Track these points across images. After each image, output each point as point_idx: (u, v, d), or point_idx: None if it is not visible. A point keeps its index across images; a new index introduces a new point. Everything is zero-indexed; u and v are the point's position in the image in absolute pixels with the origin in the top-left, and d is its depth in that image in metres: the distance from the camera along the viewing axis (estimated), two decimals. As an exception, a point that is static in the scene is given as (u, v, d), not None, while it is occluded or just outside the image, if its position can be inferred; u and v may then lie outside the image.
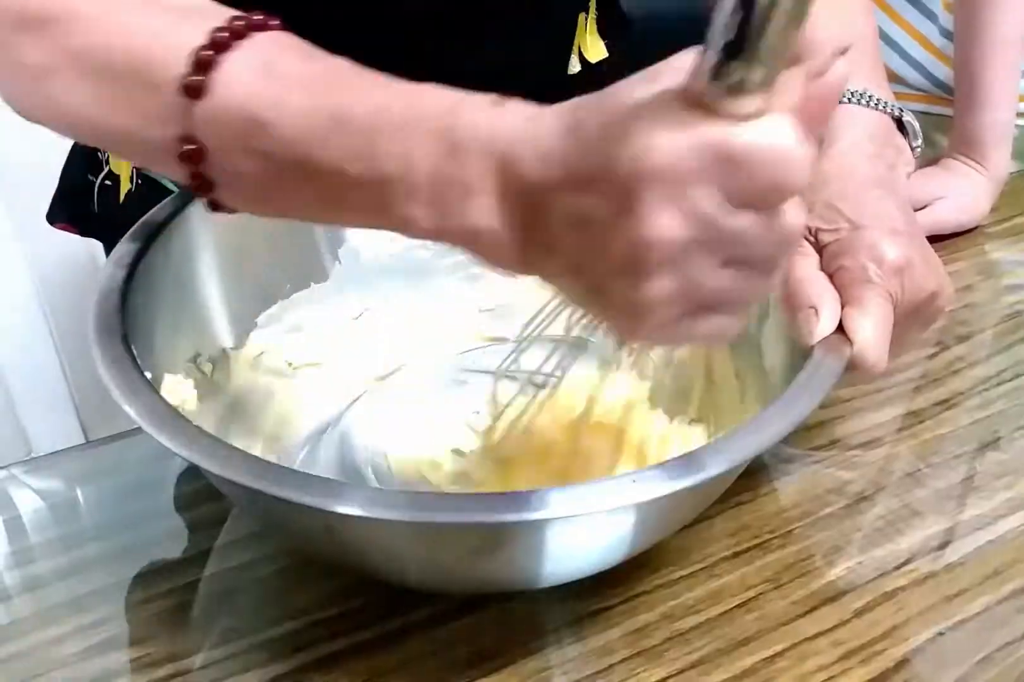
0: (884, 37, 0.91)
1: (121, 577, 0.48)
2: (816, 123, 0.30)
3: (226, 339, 0.52)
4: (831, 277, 0.45)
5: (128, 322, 0.42)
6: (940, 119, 0.86)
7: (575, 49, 0.69)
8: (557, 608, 0.46)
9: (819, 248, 0.46)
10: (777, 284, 0.33)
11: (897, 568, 0.48)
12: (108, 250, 0.79)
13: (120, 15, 0.38)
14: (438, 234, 0.34)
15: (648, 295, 0.31)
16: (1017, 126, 0.86)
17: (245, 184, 0.37)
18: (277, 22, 0.38)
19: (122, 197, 0.64)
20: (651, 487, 0.35)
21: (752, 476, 0.52)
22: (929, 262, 0.47)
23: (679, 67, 0.30)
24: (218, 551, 0.50)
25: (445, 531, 0.37)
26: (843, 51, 0.30)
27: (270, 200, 0.38)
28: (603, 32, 0.71)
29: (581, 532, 0.39)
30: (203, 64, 0.35)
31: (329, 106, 0.35)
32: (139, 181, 0.62)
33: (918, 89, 0.89)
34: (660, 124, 0.29)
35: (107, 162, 0.64)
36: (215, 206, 0.39)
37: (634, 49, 0.72)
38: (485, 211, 0.32)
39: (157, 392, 0.40)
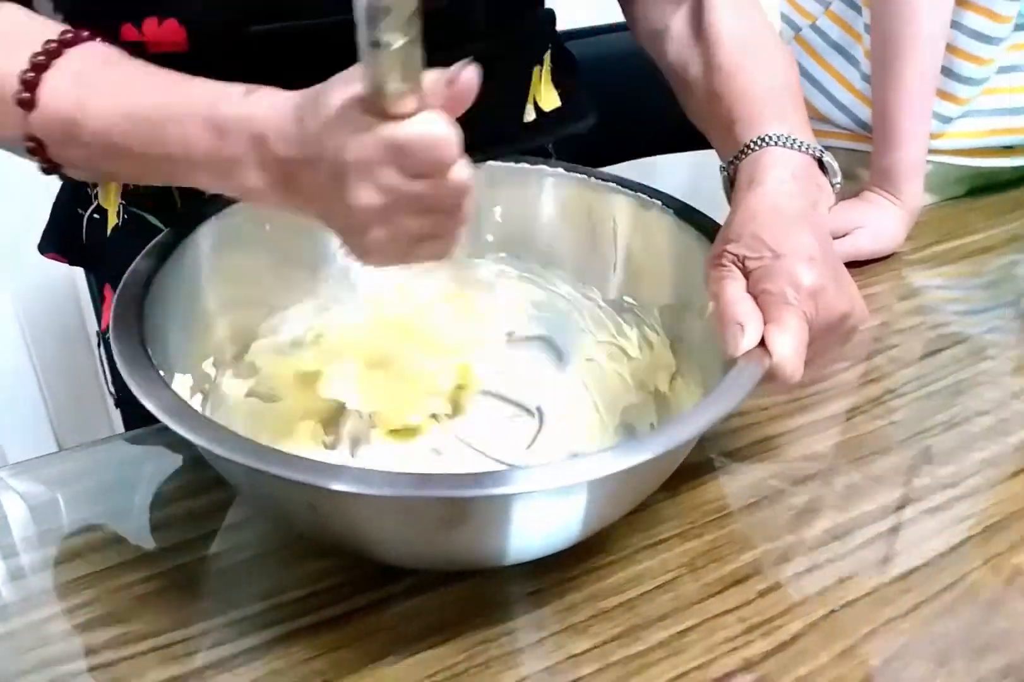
0: (813, 81, 0.98)
1: (101, 566, 0.53)
2: (460, 107, 0.41)
3: (228, 348, 0.58)
4: (756, 299, 0.51)
5: (144, 328, 0.49)
6: (862, 155, 0.93)
7: (530, 98, 0.74)
8: (499, 590, 0.52)
9: (746, 273, 0.52)
10: (466, 219, 0.45)
11: (800, 555, 0.54)
12: (96, 278, 0.84)
13: None
14: (223, 192, 0.49)
15: (369, 240, 0.44)
16: (930, 162, 0.94)
17: (78, 164, 0.52)
18: (87, 34, 0.50)
19: (109, 231, 0.69)
20: (601, 466, 0.42)
21: (676, 475, 0.58)
22: (842, 287, 0.53)
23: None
24: (194, 542, 0.54)
25: (414, 505, 0.43)
26: (465, 76, 0.40)
27: (99, 174, 0.57)
28: (556, 81, 0.76)
29: (538, 509, 0.45)
30: (29, 84, 0.49)
31: (124, 105, 0.48)
32: (125, 216, 0.67)
33: (843, 128, 0.96)
34: (350, 126, 0.41)
35: (95, 197, 0.69)
36: (64, 178, 0.53)
37: (583, 94, 0.79)
38: (252, 176, 0.46)
39: (169, 386, 0.45)
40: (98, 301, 0.81)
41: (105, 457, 0.62)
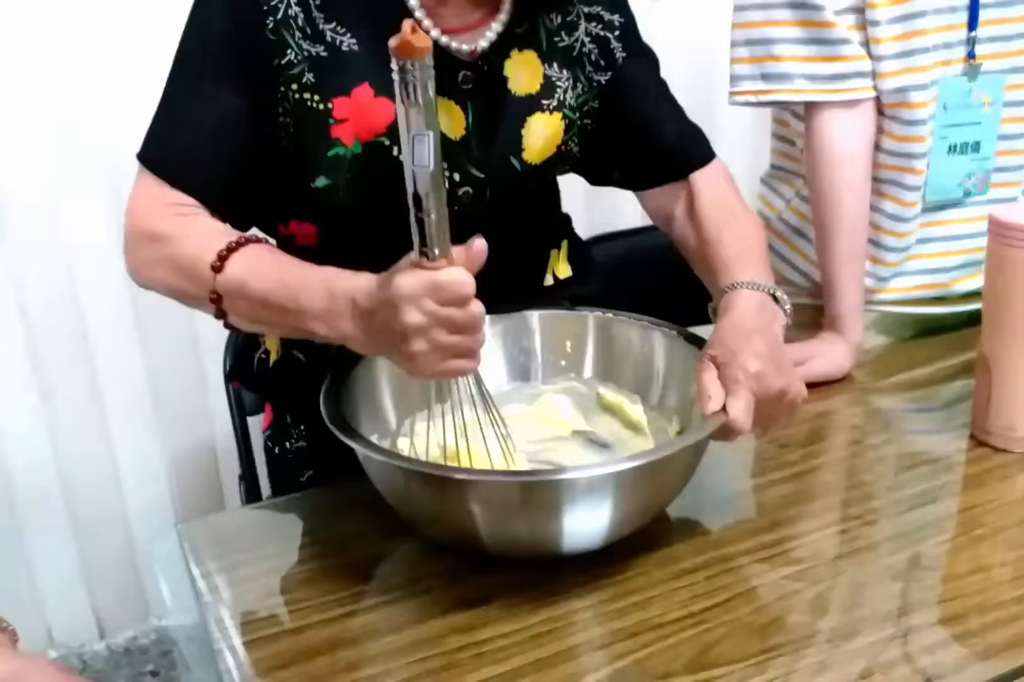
0: (782, 257, 1.30)
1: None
2: (475, 266, 0.69)
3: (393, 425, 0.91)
4: (721, 380, 0.81)
5: (344, 412, 0.81)
6: (819, 308, 1.23)
7: (549, 270, 1.08)
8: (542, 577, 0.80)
9: (716, 365, 0.82)
10: (482, 341, 0.72)
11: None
12: (260, 397, 1.18)
13: (191, 238, 0.84)
14: (329, 336, 0.76)
15: (414, 351, 0.70)
16: (877, 311, 1.24)
17: (240, 313, 0.82)
18: (256, 238, 0.84)
19: (271, 364, 1.04)
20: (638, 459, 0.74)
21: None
22: (783, 373, 0.83)
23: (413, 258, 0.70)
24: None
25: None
26: (476, 246, 0.70)
27: (253, 322, 0.84)
28: (570, 259, 1.10)
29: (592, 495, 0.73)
30: (221, 258, 0.80)
31: (275, 277, 0.79)
32: (282, 353, 1.03)
33: (805, 289, 1.28)
34: (404, 275, 0.68)
35: (263, 342, 1.05)
36: (228, 326, 0.84)
37: (591, 268, 1.13)
38: (348, 325, 0.75)
39: (365, 437, 0.78)
40: (258, 410, 1.17)
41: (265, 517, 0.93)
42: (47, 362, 1.59)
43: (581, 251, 1.12)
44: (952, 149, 1.17)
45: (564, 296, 1.08)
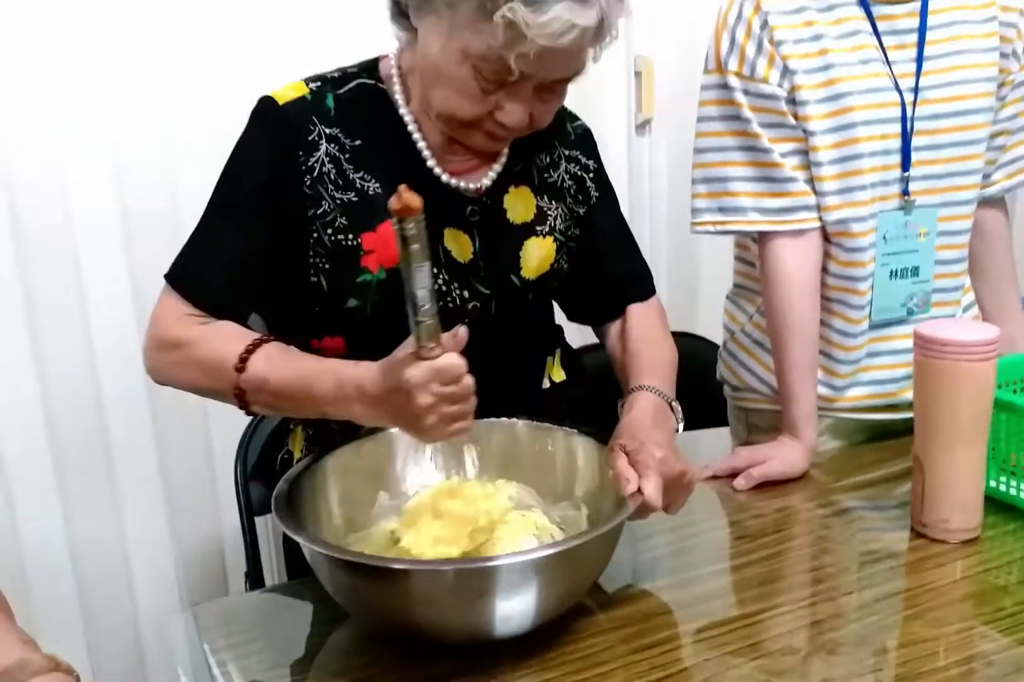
0: (745, 367, 1.42)
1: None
2: (461, 347, 0.84)
3: (342, 527, 1.01)
4: (633, 465, 0.94)
5: (293, 513, 0.92)
6: (779, 413, 1.35)
7: (546, 374, 1.22)
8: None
9: (626, 453, 0.95)
10: (473, 407, 0.87)
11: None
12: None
13: (210, 341, 0.99)
14: (342, 417, 0.91)
15: (427, 425, 0.85)
16: (833, 418, 1.37)
17: (261, 403, 0.97)
18: (272, 337, 0.98)
19: (294, 464, 1.16)
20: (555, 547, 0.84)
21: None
22: (679, 459, 0.96)
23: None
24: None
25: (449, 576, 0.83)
26: (460, 334, 0.85)
27: (275, 410, 1.00)
28: (564, 364, 1.25)
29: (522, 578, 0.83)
30: (242, 359, 0.95)
31: (291, 369, 0.94)
32: (305, 453, 1.15)
33: (765, 396, 1.40)
34: (407, 365, 0.83)
35: (287, 443, 1.17)
36: (250, 413, 0.99)
37: (582, 371, 1.27)
38: (357, 408, 0.89)
39: (314, 535, 0.88)
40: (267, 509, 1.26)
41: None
42: (64, 446, 1.70)
43: (573, 358, 1.28)
44: (894, 274, 1.31)
45: (560, 398, 1.23)
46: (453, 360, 0.84)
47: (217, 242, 1.04)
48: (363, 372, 0.89)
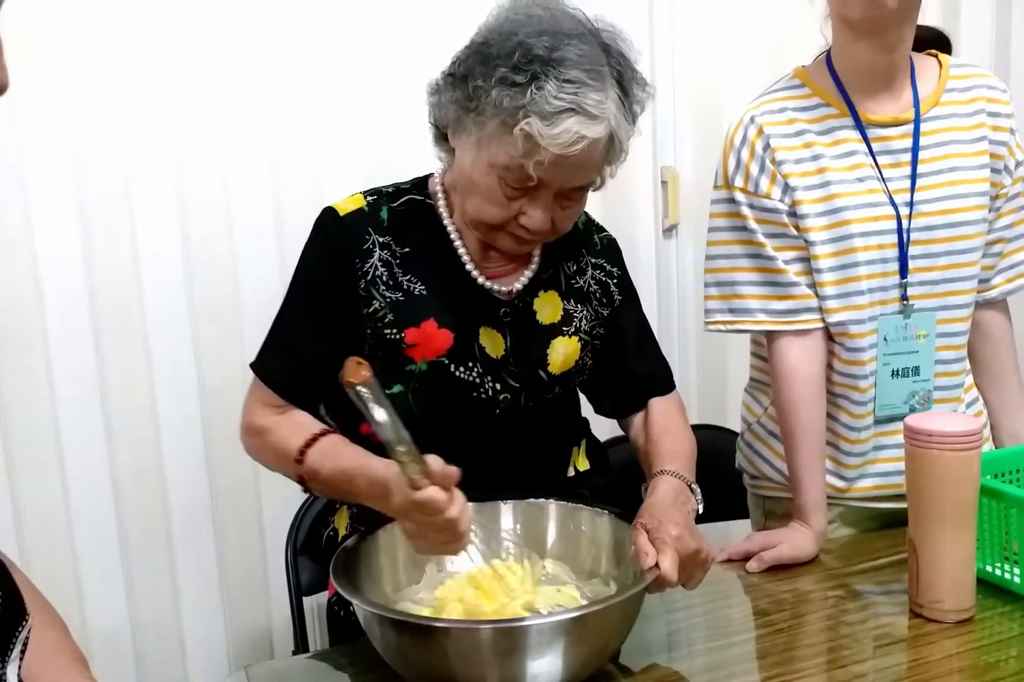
0: (760, 457, 1.51)
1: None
2: (450, 484, 0.94)
3: (392, 592, 1.12)
4: (651, 542, 1.03)
5: (348, 580, 1.03)
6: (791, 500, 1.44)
7: (571, 463, 1.33)
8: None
9: (646, 530, 1.05)
10: (463, 526, 0.96)
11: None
12: (324, 570, 1.41)
13: (282, 431, 1.14)
14: (379, 509, 1.03)
15: (416, 543, 0.99)
16: (845, 506, 1.45)
17: (319, 490, 1.15)
18: (333, 430, 1.13)
19: (340, 538, 1.27)
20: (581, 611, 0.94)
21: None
22: (695, 538, 1.06)
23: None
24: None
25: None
26: (451, 471, 0.94)
27: (330, 496, 1.22)
28: (588, 455, 1.36)
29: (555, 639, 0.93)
30: (301, 451, 1.12)
31: (339, 466, 1.08)
32: (350, 530, 1.26)
33: (779, 484, 1.49)
34: (396, 493, 0.96)
35: (332, 521, 1.29)
36: (309, 493, 1.16)
37: (606, 461, 1.38)
38: (387, 507, 1.00)
39: (364, 596, 0.99)
40: (324, 581, 1.36)
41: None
42: (129, 533, 1.83)
43: (597, 449, 1.39)
44: (895, 373, 1.41)
45: (584, 486, 1.33)
46: (434, 495, 0.92)
47: (292, 341, 1.21)
48: (388, 476, 0.99)
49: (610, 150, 1.12)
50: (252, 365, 1.21)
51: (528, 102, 1.04)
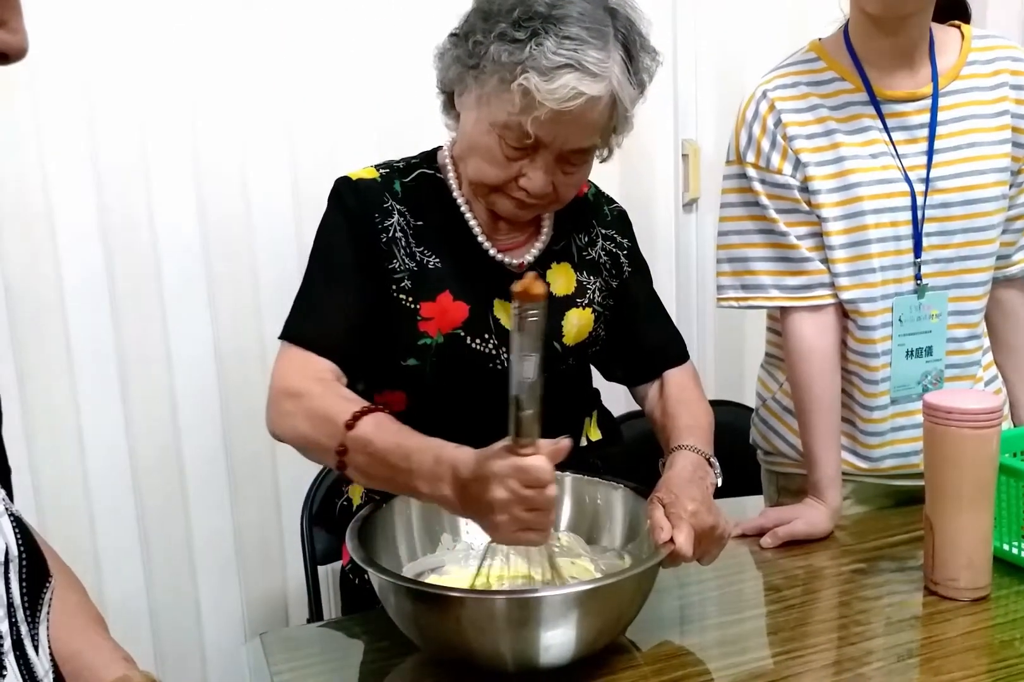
0: (776, 433, 1.50)
1: None
2: (557, 459, 0.88)
3: (406, 561, 1.12)
4: (667, 517, 1.03)
5: (365, 547, 1.03)
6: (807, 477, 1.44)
7: (584, 433, 1.33)
8: None
9: (663, 505, 1.05)
10: (552, 517, 0.90)
11: None
12: (338, 539, 1.41)
13: (326, 398, 1.07)
14: (430, 497, 0.95)
15: (497, 521, 0.89)
16: (858, 482, 1.44)
17: (359, 468, 1.01)
18: (382, 408, 1.05)
19: (354, 509, 1.28)
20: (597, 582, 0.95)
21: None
22: (711, 512, 1.06)
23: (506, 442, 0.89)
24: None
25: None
26: (563, 443, 0.89)
27: (367, 477, 1.02)
28: (600, 425, 1.36)
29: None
30: (355, 416, 1.01)
31: (395, 440, 0.98)
32: (365, 499, 1.27)
33: (793, 460, 1.49)
34: (497, 457, 0.88)
35: (347, 491, 1.30)
36: (346, 478, 1.06)
37: (617, 432, 1.38)
38: (446, 488, 0.93)
39: (380, 565, 0.99)
40: (338, 550, 1.36)
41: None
42: (146, 503, 1.86)
43: (609, 420, 1.39)
44: (909, 354, 1.39)
45: (596, 456, 1.34)
46: (540, 463, 0.86)
47: (319, 302, 1.17)
48: (460, 455, 0.93)
49: (613, 114, 1.11)
50: (283, 336, 1.15)
51: (527, 57, 1.04)
